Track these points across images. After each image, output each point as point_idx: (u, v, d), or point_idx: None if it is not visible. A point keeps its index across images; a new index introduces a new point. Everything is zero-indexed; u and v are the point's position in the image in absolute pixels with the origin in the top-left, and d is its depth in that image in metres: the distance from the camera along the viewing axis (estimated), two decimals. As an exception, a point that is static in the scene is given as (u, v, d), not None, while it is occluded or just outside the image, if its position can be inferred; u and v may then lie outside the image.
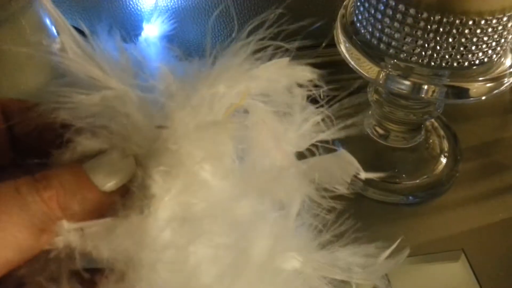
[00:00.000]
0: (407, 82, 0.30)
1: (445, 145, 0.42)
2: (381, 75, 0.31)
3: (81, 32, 0.35)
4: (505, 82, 0.31)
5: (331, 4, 0.42)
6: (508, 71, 0.31)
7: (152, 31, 0.40)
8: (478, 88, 0.30)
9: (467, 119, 0.45)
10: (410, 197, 0.39)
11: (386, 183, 0.39)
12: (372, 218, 0.38)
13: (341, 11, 0.33)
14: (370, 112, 0.41)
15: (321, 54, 0.43)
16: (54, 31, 0.31)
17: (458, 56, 0.28)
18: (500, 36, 0.28)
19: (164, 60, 0.40)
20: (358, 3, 0.31)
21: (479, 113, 0.46)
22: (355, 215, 0.37)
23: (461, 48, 0.28)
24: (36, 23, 0.30)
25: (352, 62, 0.32)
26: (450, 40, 0.27)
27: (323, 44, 0.41)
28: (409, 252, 0.35)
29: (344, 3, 0.34)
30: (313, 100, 0.21)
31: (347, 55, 0.32)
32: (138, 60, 0.38)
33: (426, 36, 0.27)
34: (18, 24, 0.28)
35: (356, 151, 0.41)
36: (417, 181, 0.40)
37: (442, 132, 0.43)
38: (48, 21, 0.31)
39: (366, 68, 0.32)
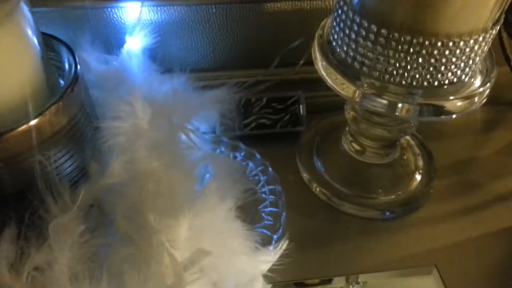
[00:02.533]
0: (381, 101, 0.31)
1: (420, 162, 0.43)
2: (356, 94, 0.32)
3: (62, 41, 0.35)
4: (475, 101, 0.32)
5: (310, 24, 0.44)
6: (477, 91, 0.32)
7: (135, 44, 0.41)
8: (450, 106, 0.31)
9: (442, 138, 0.46)
10: (386, 213, 0.39)
11: (362, 198, 0.40)
12: (347, 232, 0.38)
13: (318, 31, 0.34)
14: (347, 128, 0.42)
15: (299, 71, 0.44)
16: (36, 42, 0.32)
17: (428, 76, 0.29)
18: (468, 58, 0.29)
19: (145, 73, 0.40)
20: (334, 23, 0.32)
21: (453, 132, 0.47)
22: (331, 229, 0.38)
23: (431, 68, 0.29)
24: (18, 33, 0.30)
25: (329, 81, 0.33)
26: (420, 60, 0.28)
27: (301, 62, 0.42)
28: (384, 266, 0.36)
29: (322, 23, 0.35)
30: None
31: (324, 74, 0.33)
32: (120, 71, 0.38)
33: (397, 55, 0.28)
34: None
35: (334, 166, 0.42)
36: (393, 196, 0.40)
37: (417, 150, 0.44)
38: (30, 33, 0.31)
39: (342, 86, 0.32)
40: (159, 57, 0.41)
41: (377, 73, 0.30)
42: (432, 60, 0.28)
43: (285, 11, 0.43)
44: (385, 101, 0.31)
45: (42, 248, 0.27)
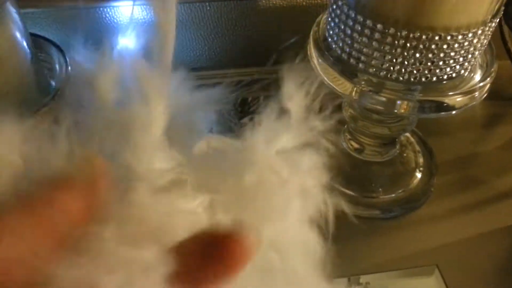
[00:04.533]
0: (380, 98, 0.30)
1: (420, 159, 0.42)
2: (354, 91, 0.31)
3: (52, 42, 0.34)
4: (475, 96, 0.31)
5: (306, 20, 0.43)
6: (477, 86, 0.31)
7: (128, 44, 0.40)
8: (450, 102, 0.30)
9: (443, 134, 0.45)
10: (387, 212, 0.39)
11: (362, 197, 0.39)
12: (347, 232, 0.37)
13: (314, 27, 0.34)
14: (345, 126, 0.42)
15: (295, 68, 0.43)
16: (25, 44, 0.31)
17: (426, 71, 0.28)
18: (467, 52, 0.28)
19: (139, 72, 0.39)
20: (329, 19, 0.31)
21: (454, 128, 0.46)
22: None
23: (429, 63, 0.28)
24: (5, 36, 0.30)
25: (326, 78, 0.32)
26: (417, 55, 0.27)
27: (297, 60, 0.42)
28: (385, 267, 0.35)
29: (317, 19, 0.34)
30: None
31: (320, 71, 0.32)
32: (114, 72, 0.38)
33: (393, 51, 0.27)
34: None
35: (333, 165, 0.41)
36: (393, 195, 0.40)
37: (417, 147, 0.43)
38: (18, 35, 0.30)
39: (339, 84, 0.32)
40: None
41: (373, 69, 0.29)
42: (430, 55, 0.27)
43: (281, 7, 0.42)
44: (383, 98, 0.30)
45: None
